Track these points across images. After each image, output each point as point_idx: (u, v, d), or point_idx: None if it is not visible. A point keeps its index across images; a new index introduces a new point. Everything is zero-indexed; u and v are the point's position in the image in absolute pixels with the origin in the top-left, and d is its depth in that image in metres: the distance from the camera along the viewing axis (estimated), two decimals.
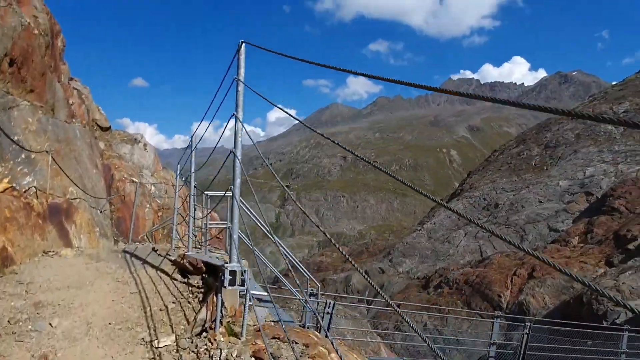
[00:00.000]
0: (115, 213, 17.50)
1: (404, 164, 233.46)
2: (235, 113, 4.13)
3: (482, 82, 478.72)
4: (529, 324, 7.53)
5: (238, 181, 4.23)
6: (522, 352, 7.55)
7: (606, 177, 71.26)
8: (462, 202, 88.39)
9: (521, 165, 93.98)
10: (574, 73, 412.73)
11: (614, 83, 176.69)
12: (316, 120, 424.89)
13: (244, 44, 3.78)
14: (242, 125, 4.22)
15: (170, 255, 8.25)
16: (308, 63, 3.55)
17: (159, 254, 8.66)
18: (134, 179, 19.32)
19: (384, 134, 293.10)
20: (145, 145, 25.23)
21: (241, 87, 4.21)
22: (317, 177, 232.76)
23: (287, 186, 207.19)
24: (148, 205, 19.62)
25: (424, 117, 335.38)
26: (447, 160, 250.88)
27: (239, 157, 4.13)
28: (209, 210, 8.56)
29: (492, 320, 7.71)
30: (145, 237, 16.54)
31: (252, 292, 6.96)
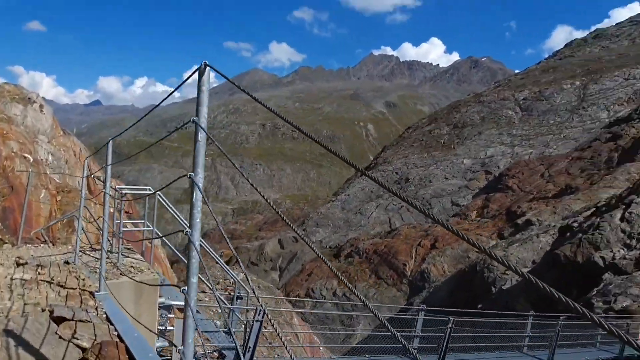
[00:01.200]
0: (0, 202, 13.52)
1: (322, 135, 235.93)
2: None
3: (401, 60, 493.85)
4: (452, 319, 7.82)
5: (201, 162, 3.06)
6: (444, 347, 7.83)
7: (503, 158, 77.99)
8: (375, 175, 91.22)
9: (431, 142, 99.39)
10: (483, 59, 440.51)
11: (517, 71, 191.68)
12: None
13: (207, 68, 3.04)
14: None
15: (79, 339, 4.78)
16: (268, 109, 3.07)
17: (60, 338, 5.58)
18: (26, 155, 15.98)
19: (304, 104, 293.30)
20: (41, 106, 21.95)
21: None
22: (234, 144, 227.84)
23: None
24: (44, 190, 15.77)
25: (344, 90, 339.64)
26: (364, 134, 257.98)
27: (204, 127, 3.14)
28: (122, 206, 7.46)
29: (414, 307, 7.94)
30: (40, 234, 12.85)
31: (173, 302, 6.08)
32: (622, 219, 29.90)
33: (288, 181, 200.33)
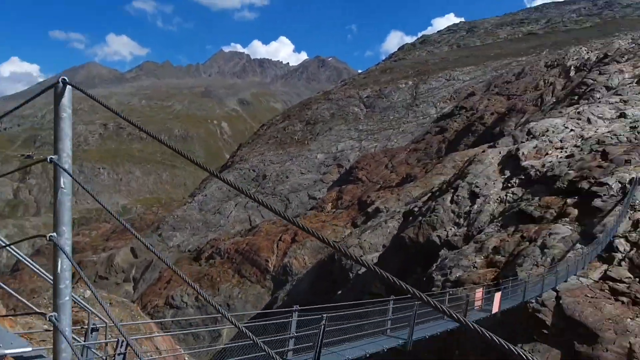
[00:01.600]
0: None
1: (174, 134, 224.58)
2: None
3: (252, 58, 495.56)
4: (325, 315, 7.83)
5: (67, 218, 2.17)
6: (319, 344, 7.82)
7: (353, 152, 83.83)
8: (232, 174, 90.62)
9: (286, 139, 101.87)
10: (330, 59, 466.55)
11: (359, 71, 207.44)
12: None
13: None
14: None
15: None
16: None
17: None
18: None
19: (152, 101, 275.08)
20: None
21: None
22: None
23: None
24: None
25: (195, 87, 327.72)
26: (218, 132, 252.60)
27: (69, 168, 2.23)
28: None
29: (290, 309, 7.76)
30: None
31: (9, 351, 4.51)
32: (451, 201, 34.35)
33: (138, 185, 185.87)
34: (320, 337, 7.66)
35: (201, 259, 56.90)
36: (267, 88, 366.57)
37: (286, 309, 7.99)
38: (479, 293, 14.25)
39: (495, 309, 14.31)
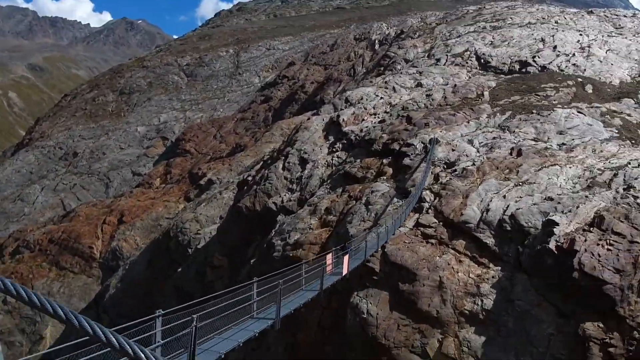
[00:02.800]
0: None
1: None
2: None
3: (40, 16, 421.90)
4: (195, 316, 7.37)
5: None
6: (192, 346, 7.35)
7: (177, 123, 79.70)
8: (33, 153, 77.88)
9: (98, 111, 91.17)
10: (139, 21, 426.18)
11: (175, 37, 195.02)
12: None
13: None
14: None
15: None
16: None
17: None
18: None
19: None
20: None
21: None
22: None
23: None
24: None
25: None
26: (6, 104, 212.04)
27: None
28: None
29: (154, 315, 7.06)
30: None
31: None
32: (283, 168, 35.90)
33: None
34: (193, 341, 7.23)
35: (4, 255, 48.32)
36: (65, 52, 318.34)
37: (149, 317, 7.06)
38: (329, 258, 15.41)
39: (345, 270, 15.77)
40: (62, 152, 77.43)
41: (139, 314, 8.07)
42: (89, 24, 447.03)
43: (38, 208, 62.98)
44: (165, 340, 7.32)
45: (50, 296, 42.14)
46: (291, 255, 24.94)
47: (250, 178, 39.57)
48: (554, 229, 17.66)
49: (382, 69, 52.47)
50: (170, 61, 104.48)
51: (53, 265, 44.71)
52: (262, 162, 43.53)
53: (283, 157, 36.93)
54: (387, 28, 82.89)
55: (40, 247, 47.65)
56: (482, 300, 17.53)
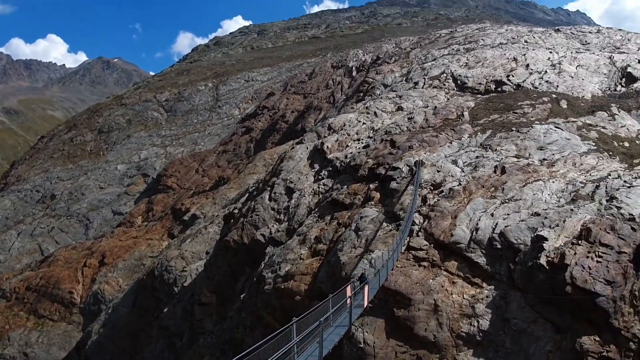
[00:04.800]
0: None
1: None
2: None
3: (14, 59, 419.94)
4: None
5: None
6: None
7: (158, 159, 78.89)
8: (9, 198, 75.85)
9: (76, 151, 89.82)
10: (115, 60, 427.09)
11: (152, 74, 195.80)
12: None
13: None
14: None
15: None
16: None
17: None
18: None
19: None
20: None
21: None
22: None
23: None
24: None
25: None
26: None
27: None
28: None
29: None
30: None
31: None
32: (270, 199, 35.49)
33: None
34: None
35: None
36: (41, 93, 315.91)
37: None
38: (349, 290, 14.61)
39: (365, 302, 15.22)
40: (40, 195, 75.60)
41: None
42: (64, 64, 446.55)
43: (14, 254, 60.78)
44: None
45: (28, 347, 40.23)
46: (282, 287, 24.34)
47: (236, 211, 38.98)
48: (544, 244, 17.63)
49: (361, 94, 53.17)
50: (149, 97, 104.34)
51: (31, 313, 42.81)
52: (247, 194, 43.05)
53: (269, 188, 36.56)
54: (364, 54, 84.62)
55: (17, 295, 45.74)
56: (477, 321, 17.24)
